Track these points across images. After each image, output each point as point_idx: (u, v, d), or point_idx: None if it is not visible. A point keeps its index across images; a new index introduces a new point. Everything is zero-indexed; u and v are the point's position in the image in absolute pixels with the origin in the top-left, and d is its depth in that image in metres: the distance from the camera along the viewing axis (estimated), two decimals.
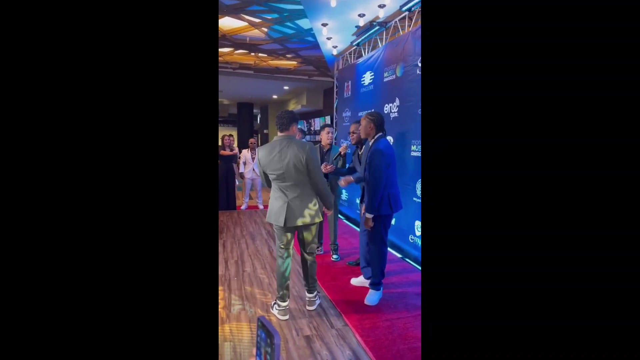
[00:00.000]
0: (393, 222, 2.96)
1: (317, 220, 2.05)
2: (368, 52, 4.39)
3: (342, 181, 2.47)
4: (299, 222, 1.99)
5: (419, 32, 3.13)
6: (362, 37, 4.24)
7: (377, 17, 3.78)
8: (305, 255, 2.17)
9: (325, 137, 3.07)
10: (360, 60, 4.44)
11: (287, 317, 2.08)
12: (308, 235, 2.11)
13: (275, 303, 2.14)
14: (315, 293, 2.23)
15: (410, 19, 3.50)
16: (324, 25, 4.08)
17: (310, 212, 2.01)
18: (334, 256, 3.11)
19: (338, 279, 2.67)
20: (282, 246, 2.11)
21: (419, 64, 3.14)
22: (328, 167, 2.62)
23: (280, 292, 2.10)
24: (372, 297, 2.27)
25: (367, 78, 4.26)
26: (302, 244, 2.15)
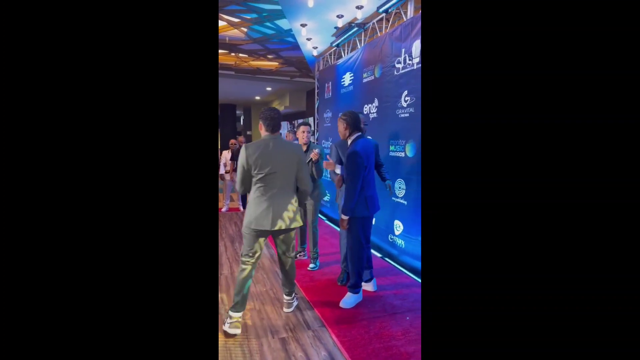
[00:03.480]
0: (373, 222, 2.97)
1: (296, 224, 1.98)
2: (347, 53, 4.41)
3: (326, 163, 2.40)
4: (282, 226, 1.92)
5: (396, 34, 3.17)
6: (341, 39, 4.26)
7: (356, 19, 3.80)
8: (284, 258, 2.10)
9: (301, 137, 2.83)
10: (340, 61, 4.45)
11: (239, 331, 1.90)
12: (287, 239, 2.04)
13: (227, 316, 1.92)
14: (293, 295, 2.20)
15: (388, 20, 3.54)
16: (303, 25, 4.08)
17: (290, 215, 1.95)
18: (312, 265, 2.90)
19: (316, 280, 2.66)
20: (250, 254, 1.95)
21: (396, 65, 3.18)
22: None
23: (236, 300, 1.92)
24: (348, 300, 2.24)
25: (347, 79, 4.28)
26: (281, 248, 2.06)
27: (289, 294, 2.18)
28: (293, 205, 1.97)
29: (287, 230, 1.98)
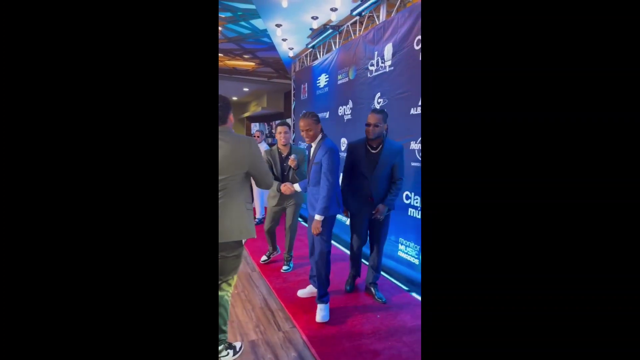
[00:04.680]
0: (347, 222, 2.99)
1: (236, 238, 1.50)
2: (323, 55, 4.43)
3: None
4: (221, 239, 1.46)
5: (369, 37, 3.22)
6: (317, 40, 4.28)
7: (330, 21, 3.83)
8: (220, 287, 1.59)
9: (279, 138, 2.65)
10: (316, 62, 4.47)
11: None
12: (223, 261, 1.51)
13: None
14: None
15: (361, 23, 3.59)
16: (278, 26, 4.07)
17: (233, 226, 1.48)
18: (285, 267, 2.82)
19: (290, 281, 2.64)
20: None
21: (370, 67, 3.23)
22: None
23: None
24: (323, 314, 2.06)
25: (323, 80, 4.30)
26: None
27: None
28: (242, 214, 1.52)
29: (221, 246, 1.48)
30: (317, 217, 2.00)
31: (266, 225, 2.89)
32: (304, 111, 2.16)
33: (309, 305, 2.22)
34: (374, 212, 2.18)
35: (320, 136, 2.04)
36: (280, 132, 2.66)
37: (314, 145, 2.06)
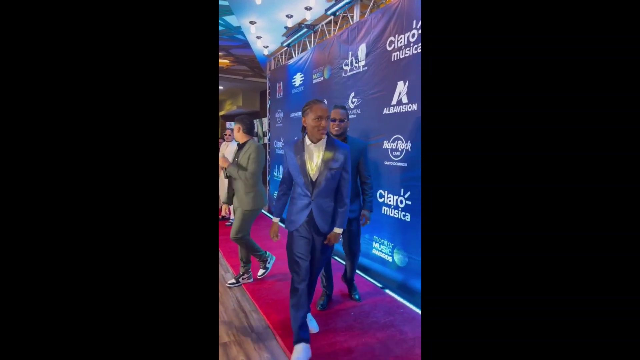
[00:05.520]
0: None
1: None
2: (298, 54, 4.42)
3: None
4: None
5: (344, 37, 3.24)
6: (292, 39, 4.26)
7: (305, 20, 3.82)
8: None
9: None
10: (291, 61, 4.45)
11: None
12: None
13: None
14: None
15: (336, 23, 3.60)
16: (252, 23, 4.01)
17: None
18: (261, 271, 2.65)
19: (264, 281, 2.61)
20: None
21: (344, 67, 3.25)
22: None
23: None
24: (313, 323, 1.94)
25: (298, 79, 4.28)
26: None
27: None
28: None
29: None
30: (339, 230, 1.68)
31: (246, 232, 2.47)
32: (318, 99, 1.73)
33: (284, 304, 2.21)
34: (362, 222, 2.11)
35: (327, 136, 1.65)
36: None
37: (323, 146, 1.62)
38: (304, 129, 1.65)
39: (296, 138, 1.72)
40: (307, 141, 1.63)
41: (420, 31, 2.31)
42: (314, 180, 1.63)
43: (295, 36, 4.15)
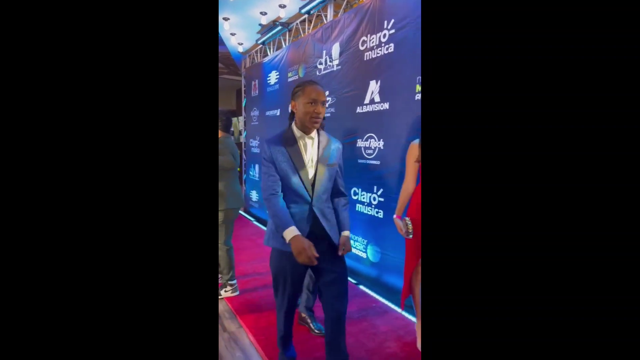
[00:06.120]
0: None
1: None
2: (273, 52, 4.39)
3: None
4: None
5: (318, 35, 3.25)
6: (266, 36, 4.23)
7: (280, 17, 3.80)
8: None
9: None
10: (267, 59, 4.41)
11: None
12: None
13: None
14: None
15: (310, 21, 3.61)
16: (226, 19, 3.94)
17: None
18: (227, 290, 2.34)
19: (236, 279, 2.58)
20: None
21: (318, 66, 3.26)
22: None
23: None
24: None
25: (273, 77, 4.26)
26: None
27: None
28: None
29: None
30: (347, 232, 1.39)
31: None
32: (313, 80, 1.51)
33: (257, 304, 2.19)
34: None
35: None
36: None
37: (316, 138, 1.33)
38: (292, 115, 1.33)
39: (281, 131, 1.34)
40: (297, 132, 1.30)
41: (391, 32, 2.36)
42: (311, 180, 1.30)
43: (270, 34, 4.12)
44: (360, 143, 2.71)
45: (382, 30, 2.43)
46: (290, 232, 1.21)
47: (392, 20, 2.34)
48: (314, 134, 1.32)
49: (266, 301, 2.23)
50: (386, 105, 2.42)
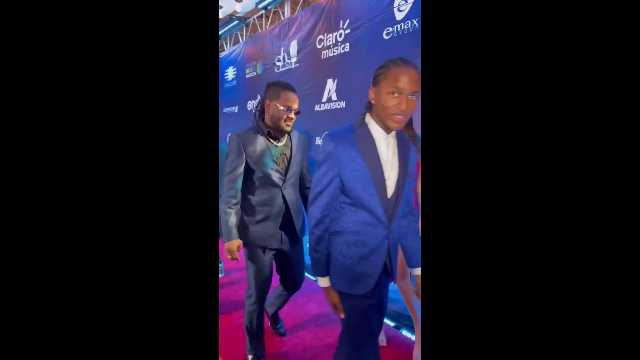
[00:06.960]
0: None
1: None
2: (230, 46, 4.27)
3: None
4: None
5: (275, 32, 3.22)
6: (223, 30, 4.10)
7: (236, 12, 3.71)
8: None
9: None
10: (223, 54, 4.28)
11: None
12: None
13: None
14: None
15: (268, 17, 3.57)
16: None
17: None
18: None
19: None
20: None
21: (277, 63, 3.23)
22: None
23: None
24: None
25: (231, 73, 4.14)
26: None
27: None
28: None
29: None
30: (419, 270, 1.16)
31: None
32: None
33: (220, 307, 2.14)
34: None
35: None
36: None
37: (391, 138, 1.04)
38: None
39: (351, 124, 1.07)
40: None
41: (347, 32, 2.40)
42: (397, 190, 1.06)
43: (226, 28, 4.01)
44: (318, 141, 2.74)
45: (338, 30, 2.47)
46: (328, 283, 1.09)
47: (348, 20, 2.38)
48: (391, 135, 1.04)
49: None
50: (343, 104, 2.46)
